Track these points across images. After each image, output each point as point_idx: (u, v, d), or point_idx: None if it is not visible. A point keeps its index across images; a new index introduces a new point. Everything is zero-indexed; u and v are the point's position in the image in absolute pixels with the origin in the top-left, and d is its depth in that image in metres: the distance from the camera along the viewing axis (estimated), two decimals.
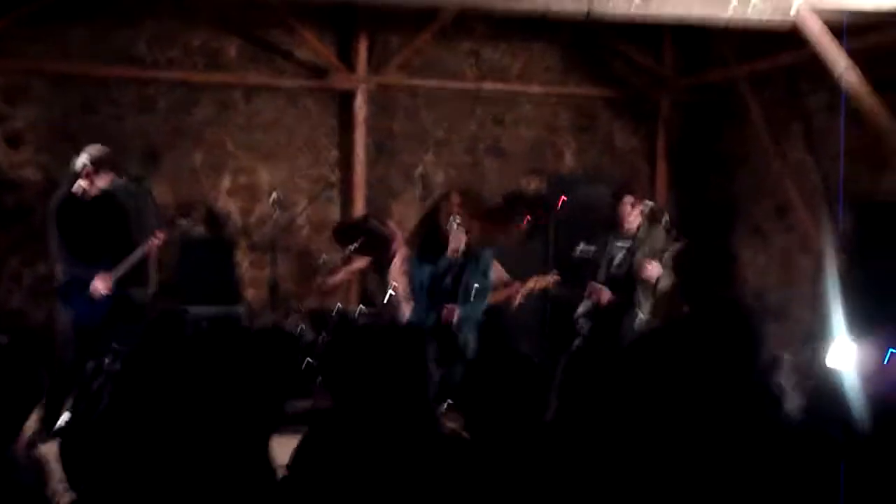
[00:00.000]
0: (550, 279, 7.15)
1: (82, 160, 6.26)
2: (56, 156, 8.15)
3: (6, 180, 8.21)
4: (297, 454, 3.08)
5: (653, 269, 6.41)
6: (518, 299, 7.02)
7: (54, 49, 8.22)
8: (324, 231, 8.58)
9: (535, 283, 7.07)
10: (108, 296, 6.23)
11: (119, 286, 6.34)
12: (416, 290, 6.34)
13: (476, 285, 6.22)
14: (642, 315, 6.55)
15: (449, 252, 6.19)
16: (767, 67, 8.12)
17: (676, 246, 6.53)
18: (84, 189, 6.27)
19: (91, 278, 6.22)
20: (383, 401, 3.12)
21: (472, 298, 6.24)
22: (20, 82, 8.19)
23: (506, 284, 7.06)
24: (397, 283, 6.70)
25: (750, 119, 8.42)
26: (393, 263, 6.91)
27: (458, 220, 6.15)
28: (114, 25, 8.30)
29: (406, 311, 6.50)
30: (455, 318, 6.18)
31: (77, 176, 6.32)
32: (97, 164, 6.22)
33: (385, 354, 3.15)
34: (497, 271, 6.82)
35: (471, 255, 6.26)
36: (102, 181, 6.27)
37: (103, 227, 6.33)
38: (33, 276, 8.21)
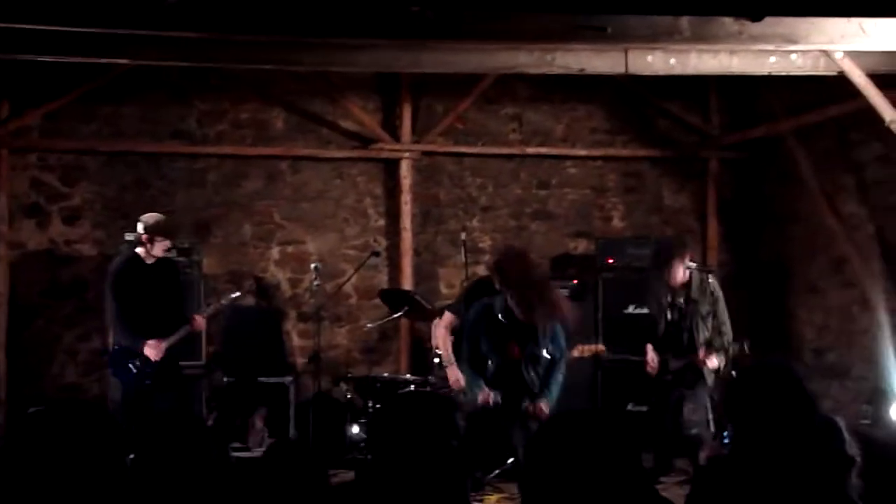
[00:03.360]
0: (598, 347, 7.10)
1: (139, 228, 6.39)
2: (111, 231, 8.35)
3: (63, 256, 8.43)
4: None
5: (712, 363, 6.42)
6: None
7: (107, 128, 8.48)
8: (372, 298, 8.60)
9: (581, 351, 6.99)
10: (155, 366, 6.27)
11: (168, 357, 6.39)
12: None
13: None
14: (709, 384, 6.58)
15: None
16: (815, 120, 8.00)
17: (736, 346, 6.51)
18: (142, 256, 6.38)
19: (140, 349, 6.27)
20: (415, 470, 3.10)
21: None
22: (76, 161, 8.45)
23: None
24: (441, 347, 6.65)
25: (800, 174, 8.26)
26: (437, 327, 6.84)
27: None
28: (164, 103, 8.55)
29: (452, 374, 6.38)
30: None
31: (134, 245, 6.46)
32: (153, 232, 6.34)
33: (418, 422, 3.17)
34: None
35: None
36: (158, 249, 6.38)
37: (160, 293, 6.41)
38: (88, 351, 8.35)
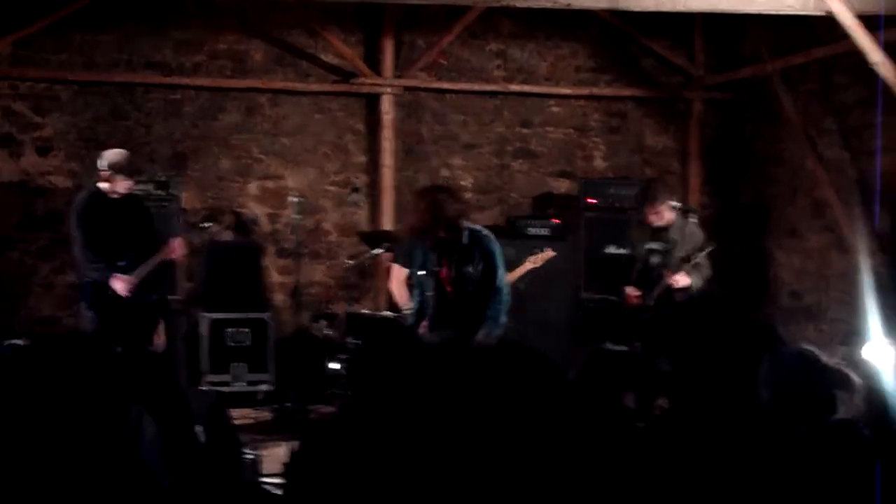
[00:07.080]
0: (547, 253, 6.98)
1: (100, 164, 6.21)
2: (85, 163, 8.18)
3: (36, 187, 8.27)
4: (298, 458, 3.02)
5: (680, 279, 6.34)
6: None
7: (81, 57, 8.27)
8: (351, 235, 8.53)
9: (534, 262, 6.92)
10: (128, 299, 6.17)
11: (143, 291, 6.28)
12: None
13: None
14: None
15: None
16: (801, 62, 7.94)
17: (707, 249, 6.45)
18: (106, 191, 6.22)
19: (108, 281, 6.13)
20: (403, 403, 3.09)
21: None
22: (48, 91, 8.24)
23: None
24: (397, 299, 6.42)
25: (784, 116, 8.24)
26: (390, 282, 6.58)
27: None
28: (140, 32, 8.34)
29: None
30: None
31: (98, 180, 6.28)
32: (114, 169, 6.13)
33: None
34: None
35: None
36: (121, 187, 6.18)
37: (127, 227, 6.25)
38: (64, 284, 8.24)
